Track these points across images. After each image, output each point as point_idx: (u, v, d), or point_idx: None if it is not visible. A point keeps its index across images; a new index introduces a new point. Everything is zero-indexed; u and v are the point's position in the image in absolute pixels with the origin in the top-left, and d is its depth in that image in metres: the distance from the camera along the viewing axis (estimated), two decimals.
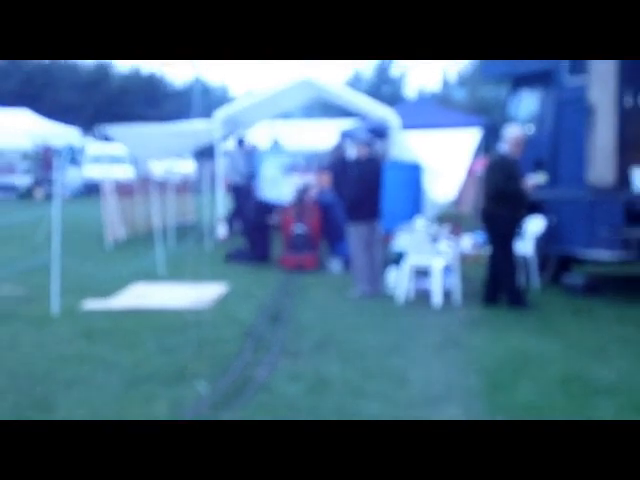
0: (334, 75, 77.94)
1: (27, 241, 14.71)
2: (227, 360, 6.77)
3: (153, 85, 56.22)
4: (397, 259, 9.96)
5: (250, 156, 16.16)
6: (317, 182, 14.07)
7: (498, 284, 9.20)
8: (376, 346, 7.33)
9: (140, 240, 14.90)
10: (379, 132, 15.70)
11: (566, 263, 10.70)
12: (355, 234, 10.11)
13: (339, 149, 15.43)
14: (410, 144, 16.92)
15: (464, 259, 10.41)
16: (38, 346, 7.25)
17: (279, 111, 19.36)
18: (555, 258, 10.61)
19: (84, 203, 23.56)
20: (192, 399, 5.70)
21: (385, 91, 52.02)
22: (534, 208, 10.19)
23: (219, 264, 12.58)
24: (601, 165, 9.60)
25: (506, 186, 9.12)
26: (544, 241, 10.49)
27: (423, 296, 9.51)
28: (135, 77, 55.94)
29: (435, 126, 21.46)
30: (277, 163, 13.77)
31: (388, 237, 10.87)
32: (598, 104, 9.60)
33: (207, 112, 16.90)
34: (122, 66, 56.43)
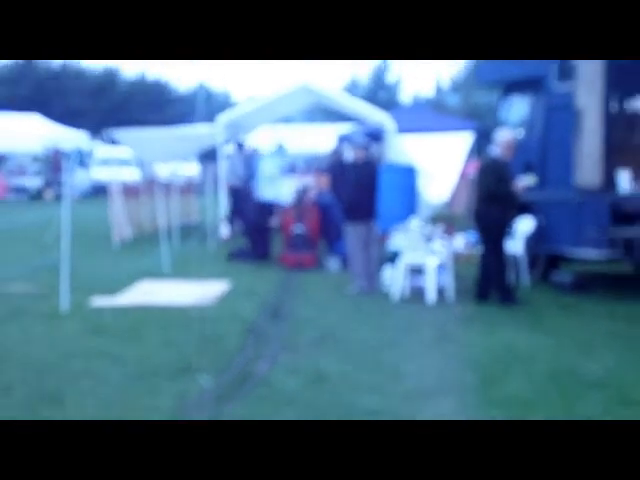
0: (332, 81, 77.95)
1: (37, 240, 14.68)
2: (229, 355, 6.77)
3: (158, 91, 56.20)
4: (393, 258, 9.95)
5: (250, 159, 16.15)
6: (316, 184, 14.07)
7: (489, 282, 9.20)
8: (372, 341, 7.33)
9: (146, 240, 14.89)
10: (375, 136, 15.71)
11: (555, 261, 10.69)
12: (352, 234, 10.11)
13: (337, 152, 15.43)
14: (405, 147, 16.92)
15: (457, 258, 10.42)
16: (48, 341, 7.25)
17: (279, 116, 19.36)
18: (544, 257, 10.61)
19: (92, 204, 23.53)
20: (196, 392, 5.70)
21: (381, 96, 52.02)
22: (524, 209, 10.19)
23: (222, 263, 12.58)
24: (588, 168, 9.60)
25: (497, 188, 9.12)
26: (534, 240, 10.49)
27: (418, 293, 9.50)
28: (141, 83, 55.93)
29: (429, 130, 21.47)
30: (276, 163, 13.74)
31: (384, 237, 10.86)
32: (585, 109, 9.60)
33: (210, 117, 16.90)
34: (128, 72, 56.52)
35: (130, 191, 16.80)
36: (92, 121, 43.49)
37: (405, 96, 58.26)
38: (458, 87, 53.33)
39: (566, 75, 10.04)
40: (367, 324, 8.09)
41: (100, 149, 34.17)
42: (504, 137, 9.38)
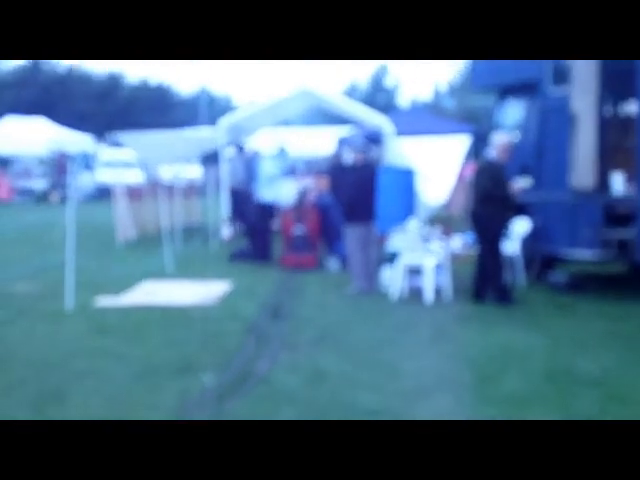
0: (332, 85, 77.93)
1: (43, 241, 14.68)
2: (231, 353, 6.77)
3: (161, 95, 56.28)
4: (391, 258, 9.95)
5: (251, 162, 16.14)
6: (316, 186, 14.06)
7: (486, 282, 9.20)
8: (371, 340, 7.33)
9: (149, 240, 14.89)
10: (374, 139, 15.70)
11: (550, 262, 10.69)
12: (352, 235, 10.11)
13: (337, 155, 15.42)
14: (403, 150, 16.93)
15: (454, 258, 10.41)
16: (53, 340, 7.25)
17: (280, 119, 19.35)
18: (540, 257, 10.61)
19: (97, 206, 23.54)
20: (198, 390, 5.70)
21: (380, 100, 52.07)
22: (520, 210, 10.19)
23: (223, 263, 12.58)
24: (582, 170, 9.60)
25: (494, 190, 9.12)
26: (529, 241, 10.49)
27: (416, 293, 9.50)
28: (144, 87, 55.99)
29: (427, 133, 21.47)
30: (276, 164, 13.74)
31: (383, 238, 10.86)
32: (580, 113, 9.61)
33: (212, 120, 16.91)
34: (132, 77, 56.55)
35: (134, 193, 16.80)
36: (97, 124, 43.51)
37: (403, 100, 58.36)
38: (455, 91, 53.40)
39: (561, 79, 10.04)
40: (366, 324, 8.09)
41: (104, 152, 34.17)
42: (500, 140, 9.38)
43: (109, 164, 32.80)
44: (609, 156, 9.80)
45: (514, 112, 11.32)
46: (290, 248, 12.42)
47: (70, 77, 51.75)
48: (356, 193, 10.03)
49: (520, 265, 10.37)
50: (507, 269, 9.64)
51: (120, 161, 31.80)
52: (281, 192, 13.16)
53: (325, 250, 12.76)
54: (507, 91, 11.45)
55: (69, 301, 8.64)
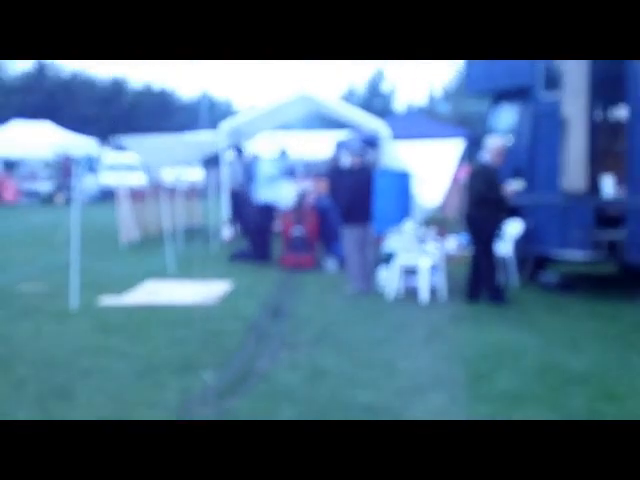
0: (330, 90, 77.97)
1: (48, 242, 14.66)
2: (231, 352, 6.76)
3: (164, 99, 56.22)
4: (387, 259, 9.95)
5: (250, 165, 16.14)
6: (315, 188, 14.06)
7: (480, 282, 9.20)
8: (368, 338, 7.32)
9: (152, 241, 14.88)
10: (371, 142, 15.72)
11: (542, 263, 10.70)
12: (349, 236, 10.11)
13: (336, 158, 15.42)
14: (399, 153, 16.92)
15: (449, 259, 10.41)
16: (58, 338, 7.24)
17: (279, 123, 19.35)
18: (532, 258, 10.61)
19: (101, 208, 23.52)
20: (199, 387, 5.69)
21: (376, 105, 52.05)
22: (513, 212, 10.20)
23: (224, 263, 12.57)
24: (573, 173, 9.61)
25: (488, 192, 9.13)
26: (522, 243, 10.49)
27: (411, 293, 9.50)
28: (147, 92, 55.94)
29: (422, 137, 21.46)
30: (275, 165, 13.73)
31: (379, 239, 10.86)
32: (571, 118, 9.61)
33: (213, 124, 16.87)
34: (135, 82, 56.49)
35: (137, 195, 16.78)
36: (101, 128, 43.46)
37: (399, 104, 58.34)
38: (450, 96, 53.39)
39: (552, 85, 10.05)
40: (363, 322, 8.09)
41: (108, 155, 34.14)
42: (494, 144, 9.38)
43: (113, 167, 32.76)
44: (599, 160, 9.81)
45: (507, 117, 11.33)
46: (289, 248, 12.42)
47: (75, 82, 51.69)
48: (353, 195, 10.04)
49: (513, 266, 10.38)
50: (500, 270, 9.65)
51: (123, 164, 31.78)
52: (279, 193, 13.15)
53: (323, 251, 12.76)
54: (500, 96, 11.45)
55: (74, 300, 8.63)
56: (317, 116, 20.74)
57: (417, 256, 9.52)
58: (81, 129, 38.47)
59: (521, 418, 5.02)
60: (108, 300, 9.08)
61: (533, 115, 10.50)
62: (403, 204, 14.34)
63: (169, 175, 18.12)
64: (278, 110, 17.10)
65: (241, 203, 14.86)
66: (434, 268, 9.57)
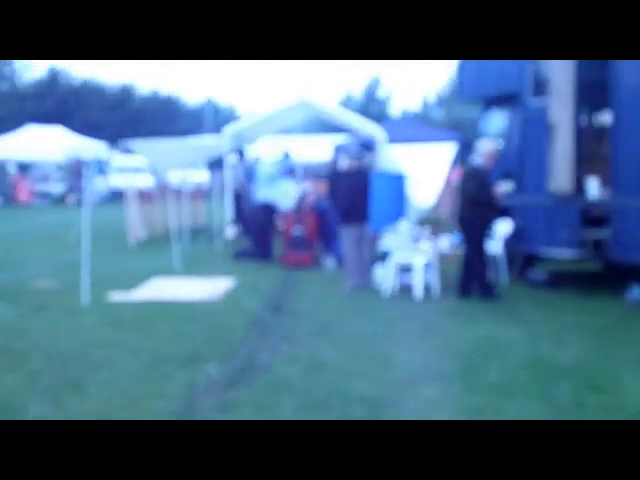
0: (328, 96, 77.82)
1: (60, 241, 14.68)
2: (235, 345, 6.77)
3: (170, 105, 56.16)
4: (383, 257, 9.95)
5: (252, 167, 16.13)
6: (314, 190, 14.05)
7: (472, 279, 9.21)
8: (365, 333, 7.33)
9: (159, 240, 14.88)
10: (368, 146, 15.67)
11: (530, 261, 10.71)
12: (347, 235, 10.11)
13: (334, 161, 15.41)
14: (395, 156, 16.91)
15: (442, 257, 10.42)
16: (70, 333, 7.24)
17: (280, 127, 19.34)
18: (521, 256, 10.62)
19: (110, 208, 23.52)
20: (204, 379, 5.70)
21: (373, 110, 51.98)
22: (503, 213, 10.21)
23: (228, 261, 12.57)
24: (560, 175, 9.61)
25: (479, 194, 9.13)
26: (511, 241, 10.50)
27: (406, 289, 9.51)
28: (154, 98, 55.87)
29: (417, 141, 21.47)
30: (274, 166, 13.71)
31: (376, 238, 10.86)
32: (558, 123, 9.62)
33: (217, 128, 16.86)
34: (143, 88, 56.42)
35: (144, 196, 16.78)
36: (110, 133, 43.43)
37: (395, 110, 58.26)
38: (443, 102, 53.37)
39: (540, 91, 10.06)
40: (360, 318, 8.09)
41: (117, 158, 34.12)
42: (485, 147, 9.39)
43: (121, 169, 32.76)
44: (585, 162, 9.82)
45: (497, 122, 11.34)
46: (290, 247, 12.42)
47: (85, 89, 51.62)
48: (351, 196, 10.04)
49: (503, 263, 10.38)
50: (491, 267, 9.65)
51: (131, 167, 31.76)
52: (279, 192, 13.14)
53: (322, 249, 12.77)
54: (491, 102, 11.46)
55: (85, 297, 8.64)
56: (316, 121, 20.72)
57: (412, 254, 9.53)
58: (91, 133, 38.42)
59: (510, 408, 5.04)
60: (117, 296, 9.08)
61: (522, 120, 10.51)
62: (398, 205, 14.32)
63: (175, 177, 18.11)
64: (279, 115, 17.10)
65: (243, 204, 14.87)
66: (428, 266, 9.57)
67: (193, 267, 11.49)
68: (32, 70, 51.30)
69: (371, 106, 55.24)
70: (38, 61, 49.46)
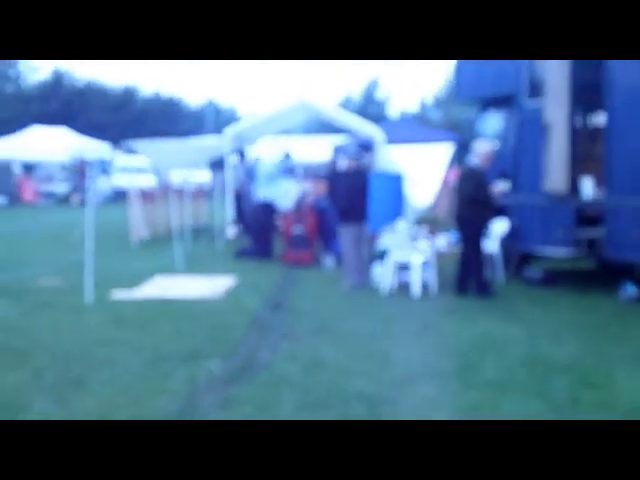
0: (328, 97, 77.83)
1: (64, 240, 14.67)
2: (235, 343, 6.76)
3: (172, 107, 56.18)
4: (382, 256, 9.95)
5: (251, 167, 16.13)
6: (314, 190, 14.05)
7: (468, 277, 9.20)
8: (364, 331, 7.32)
9: (161, 240, 14.87)
10: (366, 147, 15.69)
11: (526, 259, 10.70)
12: (346, 234, 10.10)
13: (333, 162, 15.40)
14: (393, 157, 16.92)
15: (439, 256, 10.42)
16: (74, 331, 7.24)
17: (281, 128, 19.34)
18: (517, 255, 10.62)
19: (113, 208, 23.51)
20: (205, 376, 5.69)
21: (371, 111, 52.01)
22: (499, 212, 10.20)
23: (229, 260, 12.57)
24: (555, 176, 9.61)
25: (476, 193, 9.13)
26: (508, 240, 10.50)
27: (404, 287, 9.50)
28: (156, 100, 55.89)
29: (414, 142, 21.44)
30: (274, 165, 13.68)
31: (374, 237, 10.86)
32: (553, 124, 9.62)
33: (218, 129, 16.84)
34: (145, 90, 56.40)
35: (147, 196, 16.77)
36: (113, 134, 43.43)
37: (393, 111, 58.30)
38: (440, 103, 53.40)
39: (536, 93, 10.06)
40: (359, 316, 8.09)
41: (120, 158, 34.13)
42: (482, 148, 9.38)
43: (124, 169, 32.77)
44: (579, 163, 9.81)
45: (494, 123, 11.33)
46: (290, 246, 12.42)
47: (89, 91, 51.63)
48: (350, 196, 10.03)
49: (499, 262, 10.38)
50: (487, 266, 9.65)
51: (134, 167, 31.77)
52: (279, 191, 13.12)
53: (322, 248, 12.76)
54: (488, 103, 11.46)
55: (88, 295, 8.63)
56: (316, 122, 20.73)
57: (409, 253, 9.52)
58: (95, 134, 38.43)
59: (507, 404, 5.03)
60: (120, 294, 9.07)
61: (518, 121, 10.50)
62: (396, 204, 14.33)
63: (177, 177, 18.11)
64: (279, 116, 17.10)
65: (244, 203, 14.86)
66: (425, 264, 9.57)
67: (195, 266, 11.48)
68: (37, 72, 51.35)
69: (370, 107, 55.29)
70: (40, 62, 49.54)
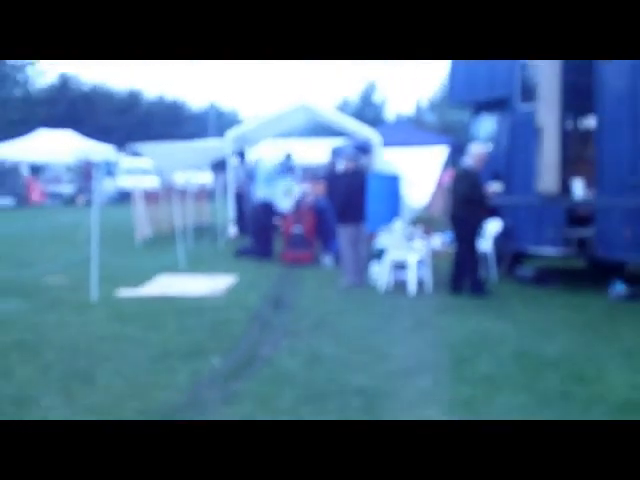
0: (326, 100, 77.82)
1: (71, 239, 14.65)
2: (237, 339, 6.77)
3: (175, 109, 56.09)
4: (379, 255, 9.96)
5: (252, 169, 16.13)
6: (313, 191, 14.06)
7: (463, 275, 9.21)
8: (361, 327, 7.33)
9: (164, 239, 14.86)
10: (364, 149, 15.71)
11: (519, 258, 10.72)
12: (344, 234, 10.10)
13: (332, 163, 15.42)
14: (389, 159, 16.93)
15: (435, 255, 10.43)
16: (80, 327, 7.24)
17: (280, 131, 19.35)
18: (510, 254, 10.63)
19: (118, 208, 23.49)
20: (207, 371, 5.70)
21: (368, 114, 51.94)
22: (493, 212, 10.21)
23: (230, 259, 12.56)
24: (547, 177, 9.62)
25: (471, 194, 9.13)
26: (501, 240, 10.51)
27: (400, 285, 9.51)
28: (160, 103, 55.81)
29: (410, 144, 21.47)
30: (274, 166, 13.68)
31: (371, 236, 10.86)
32: (545, 126, 9.63)
33: (220, 132, 16.85)
34: (149, 94, 56.35)
35: (151, 197, 16.76)
36: (118, 136, 43.35)
37: (389, 114, 58.25)
38: (435, 106, 53.36)
39: (528, 96, 10.07)
40: (357, 312, 8.09)
41: (125, 160, 34.09)
42: (476, 150, 9.39)
43: (129, 171, 32.74)
44: (571, 165, 9.83)
45: (487, 125, 11.34)
46: (289, 246, 12.42)
47: (94, 94, 51.57)
48: (348, 197, 10.03)
49: (493, 261, 10.39)
50: (481, 264, 9.65)
51: (139, 168, 31.75)
52: (278, 191, 13.12)
53: (320, 248, 12.76)
54: (481, 107, 11.46)
55: (94, 293, 8.63)
56: (315, 125, 20.74)
57: (406, 252, 9.53)
58: (100, 137, 38.41)
59: (500, 398, 5.04)
60: (125, 292, 9.08)
61: (511, 124, 10.51)
62: (393, 205, 14.33)
63: (180, 178, 18.12)
64: (279, 119, 17.10)
65: (243, 204, 14.87)
66: (421, 263, 9.58)
67: (197, 264, 11.48)
68: (44, 76, 51.28)
69: (367, 110, 55.22)
70: (46, 66, 49.41)
